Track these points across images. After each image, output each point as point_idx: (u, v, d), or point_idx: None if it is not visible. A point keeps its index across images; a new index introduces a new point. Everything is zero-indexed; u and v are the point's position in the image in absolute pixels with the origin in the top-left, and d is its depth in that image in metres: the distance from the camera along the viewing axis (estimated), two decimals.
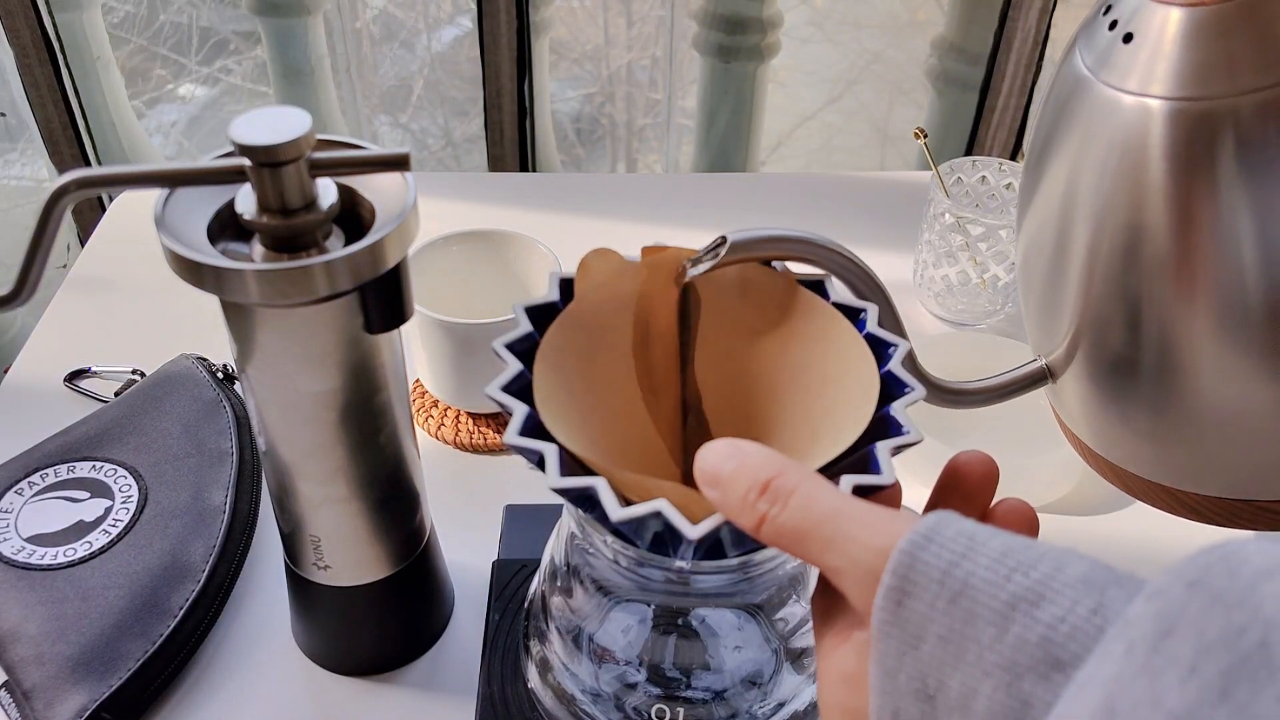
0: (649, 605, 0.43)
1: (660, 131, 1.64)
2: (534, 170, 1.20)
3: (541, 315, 0.38)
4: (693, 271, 0.39)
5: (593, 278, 0.39)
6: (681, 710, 0.42)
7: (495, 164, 1.18)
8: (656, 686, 0.43)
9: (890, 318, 0.41)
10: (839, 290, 0.40)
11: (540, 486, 0.32)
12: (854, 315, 0.39)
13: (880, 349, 0.37)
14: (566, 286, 0.40)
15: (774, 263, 0.41)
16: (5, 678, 0.50)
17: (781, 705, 0.43)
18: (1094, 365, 0.43)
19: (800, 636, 0.44)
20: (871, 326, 0.38)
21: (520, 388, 0.35)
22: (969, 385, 0.48)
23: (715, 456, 0.30)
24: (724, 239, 0.38)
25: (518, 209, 0.86)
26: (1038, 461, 0.63)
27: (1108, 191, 0.38)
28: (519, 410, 0.34)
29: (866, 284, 0.41)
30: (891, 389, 0.36)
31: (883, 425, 0.35)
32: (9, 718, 0.49)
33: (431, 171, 1.34)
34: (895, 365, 0.36)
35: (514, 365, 0.36)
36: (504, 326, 0.60)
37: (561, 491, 0.32)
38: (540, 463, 0.32)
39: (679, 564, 0.39)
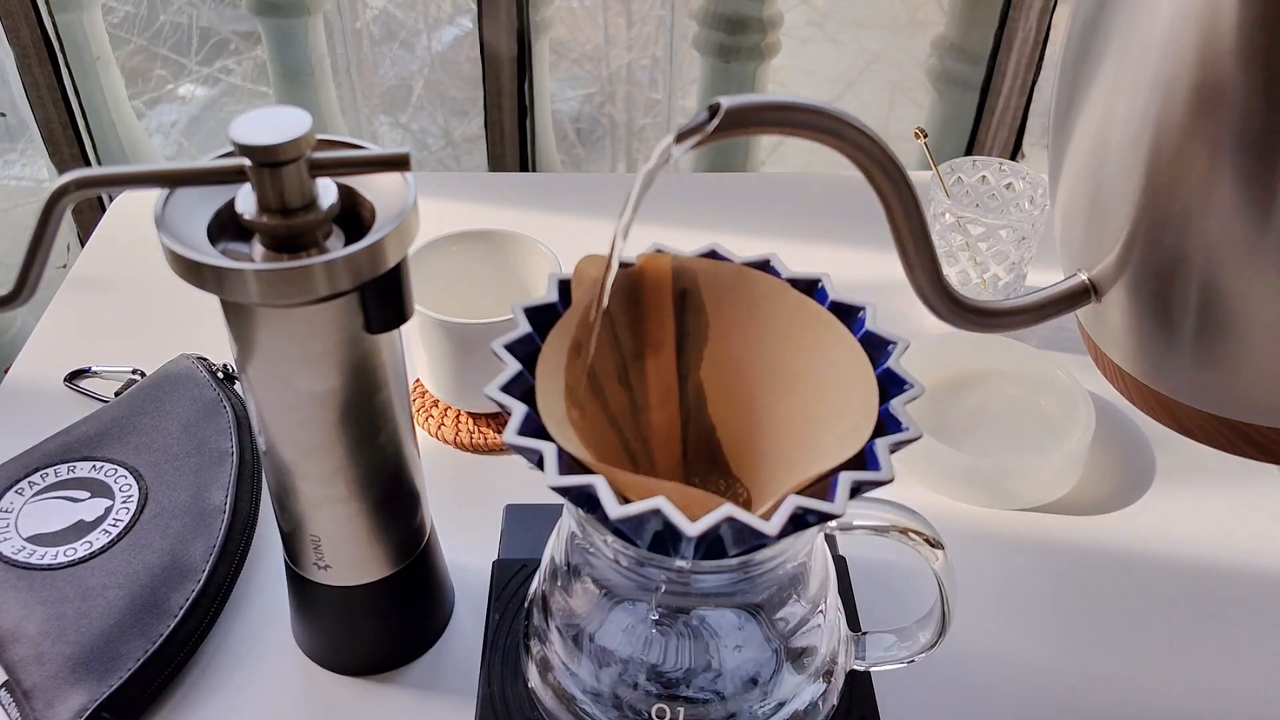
0: (649, 605, 0.43)
1: (660, 131, 1.64)
2: (534, 170, 1.20)
3: (541, 316, 0.38)
4: (680, 147, 0.33)
5: (585, 284, 0.39)
6: (681, 710, 0.42)
7: (495, 164, 1.17)
8: (656, 686, 0.43)
9: (916, 214, 0.35)
10: (836, 289, 0.40)
11: (540, 486, 0.32)
12: (853, 314, 0.39)
13: (879, 347, 0.37)
14: (565, 288, 0.40)
15: (771, 264, 0.41)
16: (5, 678, 0.50)
17: (781, 705, 0.43)
18: (1149, 272, 0.36)
19: (800, 636, 0.44)
20: (870, 325, 0.38)
21: (520, 388, 0.36)
22: (1001, 305, 0.41)
23: None
24: (718, 104, 0.31)
25: (518, 209, 0.86)
26: (1038, 461, 0.63)
27: (1177, 47, 0.31)
28: (518, 410, 0.34)
29: (884, 166, 0.33)
30: (890, 386, 0.36)
31: (881, 422, 0.35)
32: (9, 717, 0.49)
33: (431, 171, 1.34)
34: (894, 363, 0.36)
35: (513, 365, 0.36)
36: (504, 326, 0.60)
37: (561, 490, 0.32)
38: (540, 462, 0.33)
39: (679, 563, 0.39)
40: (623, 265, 0.40)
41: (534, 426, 0.34)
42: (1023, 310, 0.40)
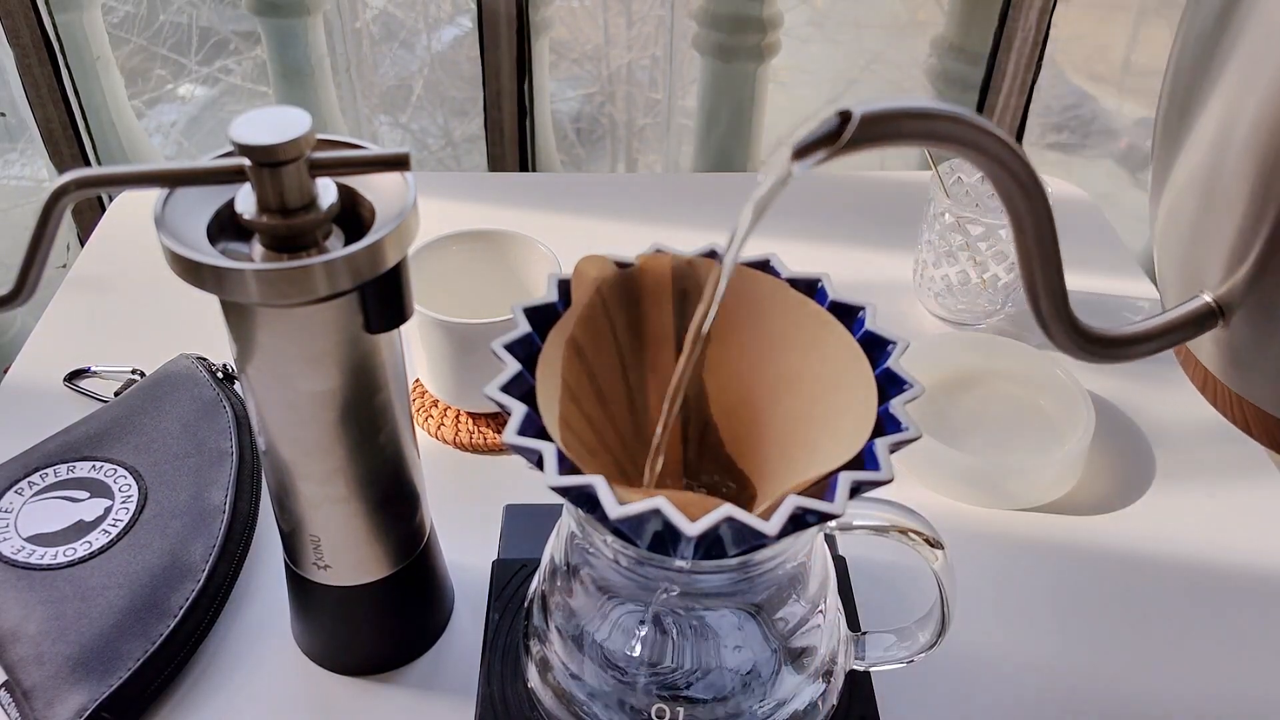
0: (649, 605, 0.43)
1: (660, 131, 1.64)
2: (534, 170, 1.20)
3: (541, 316, 0.38)
4: (803, 164, 0.28)
5: (585, 284, 0.39)
6: (681, 710, 0.42)
7: (495, 164, 1.17)
8: (656, 686, 0.43)
9: (1050, 238, 0.31)
10: (835, 289, 0.40)
11: (540, 486, 0.32)
12: (852, 314, 0.39)
13: (879, 347, 0.37)
14: (565, 288, 0.40)
15: (771, 264, 0.41)
16: (5, 677, 0.50)
17: (781, 705, 0.43)
18: None
19: (800, 636, 0.44)
20: (870, 324, 0.38)
21: (521, 388, 0.36)
22: (1123, 333, 0.37)
23: None
24: (849, 112, 0.27)
25: (518, 209, 0.86)
26: (1038, 461, 0.63)
27: None
28: (518, 410, 0.34)
29: (1024, 184, 0.30)
30: (890, 386, 0.36)
31: (881, 421, 0.35)
32: (9, 717, 0.49)
33: (431, 171, 1.34)
34: (894, 363, 0.36)
35: (513, 365, 0.36)
36: (504, 326, 0.60)
37: (560, 490, 0.32)
38: (539, 462, 0.33)
39: (679, 564, 0.39)
40: (622, 265, 0.40)
41: (535, 427, 0.34)
42: (1146, 337, 0.37)
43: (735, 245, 0.34)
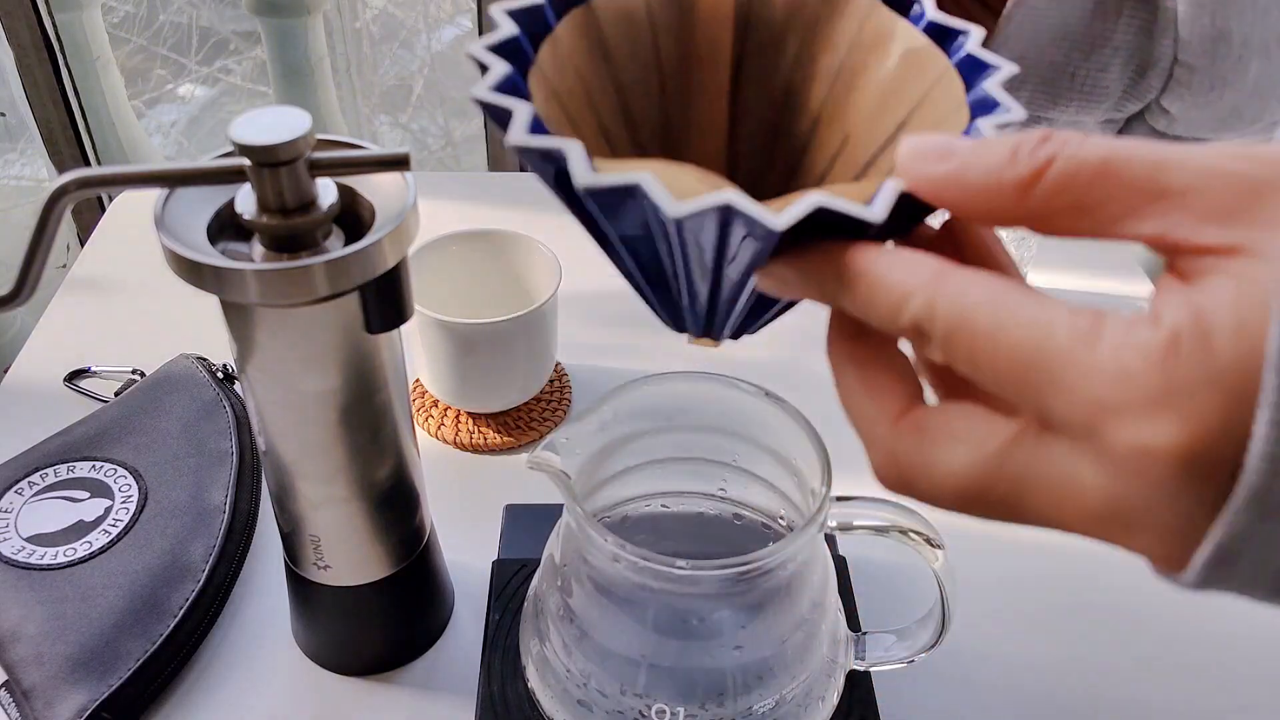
0: (649, 605, 0.43)
1: None
2: None
3: (531, 17, 0.29)
4: None
5: None
6: (681, 710, 0.42)
7: (495, 164, 1.18)
8: (656, 686, 0.43)
9: None
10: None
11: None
12: (905, 8, 0.31)
13: (948, 38, 0.30)
14: None
15: None
16: (5, 678, 0.50)
17: (781, 705, 0.43)
18: None
19: (800, 636, 0.44)
20: (931, 14, 0.30)
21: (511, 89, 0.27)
22: None
23: (926, 138, 0.23)
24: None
25: (518, 209, 0.86)
26: None
27: None
28: (498, 66, 0.26)
29: None
30: (971, 75, 0.29)
31: (975, 109, 0.28)
32: (9, 717, 0.49)
33: (431, 171, 1.34)
34: (973, 48, 0.29)
35: (500, 67, 0.26)
36: (504, 326, 0.60)
37: (523, 150, 0.24)
38: (506, 121, 0.24)
39: (679, 565, 0.39)
40: None
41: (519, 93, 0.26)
42: None
43: None
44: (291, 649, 0.54)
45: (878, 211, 0.23)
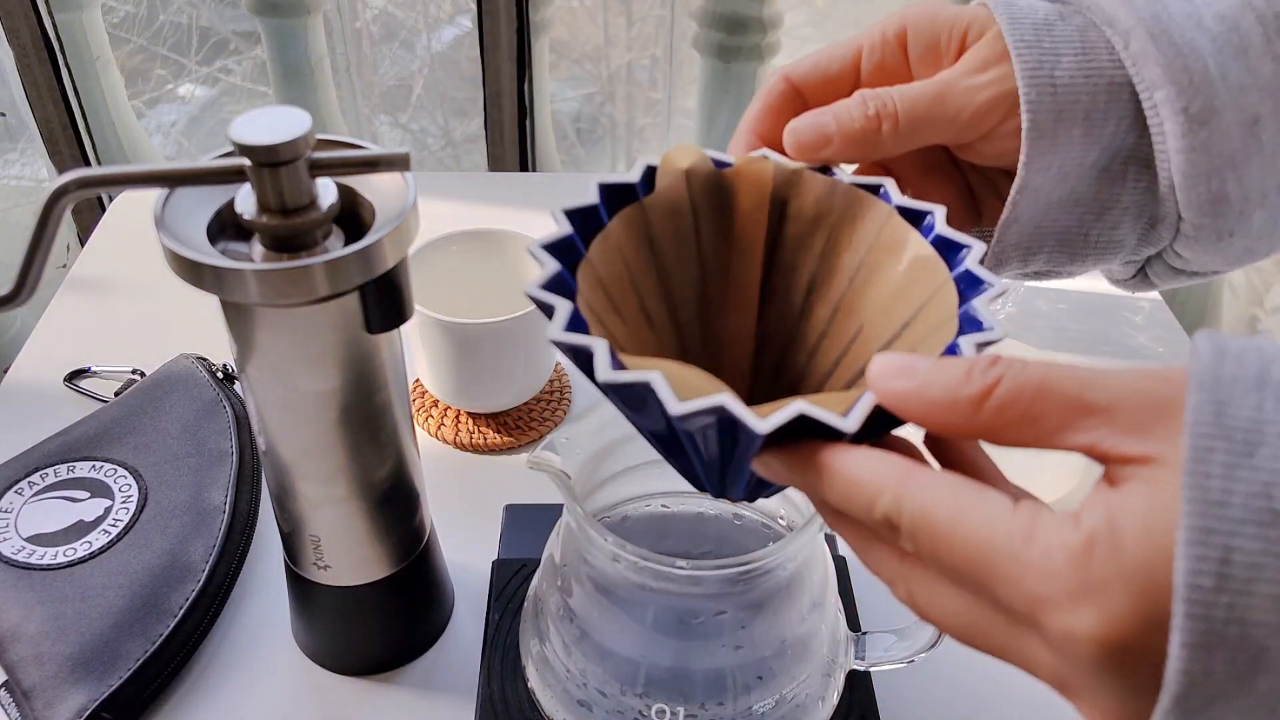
0: (648, 605, 0.43)
1: (660, 131, 1.64)
2: (534, 170, 1.20)
3: (616, 197, 0.35)
4: None
5: (672, 174, 0.35)
6: (681, 710, 0.42)
7: (495, 164, 1.18)
8: (656, 686, 0.43)
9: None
10: (897, 194, 0.36)
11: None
12: (919, 219, 0.35)
13: (951, 251, 0.33)
14: (650, 174, 0.36)
15: (884, 190, 0.36)
16: (5, 677, 0.50)
17: (781, 705, 0.43)
18: None
19: (800, 636, 0.44)
20: (940, 228, 0.34)
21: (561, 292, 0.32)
22: None
23: (893, 357, 0.26)
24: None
25: (518, 209, 0.86)
26: (1038, 461, 0.63)
27: None
28: (562, 308, 0.30)
29: None
30: (967, 289, 0.32)
31: (964, 323, 0.32)
32: (9, 717, 0.49)
33: (431, 171, 1.34)
34: (971, 264, 0.32)
35: (551, 265, 0.32)
36: (504, 326, 0.60)
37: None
38: (588, 362, 0.28)
39: (679, 564, 0.39)
40: (718, 164, 0.36)
41: (582, 327, 0.30)
42: None
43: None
44: (291, 649, 0.54)
45: (851, 423, 0.26)
